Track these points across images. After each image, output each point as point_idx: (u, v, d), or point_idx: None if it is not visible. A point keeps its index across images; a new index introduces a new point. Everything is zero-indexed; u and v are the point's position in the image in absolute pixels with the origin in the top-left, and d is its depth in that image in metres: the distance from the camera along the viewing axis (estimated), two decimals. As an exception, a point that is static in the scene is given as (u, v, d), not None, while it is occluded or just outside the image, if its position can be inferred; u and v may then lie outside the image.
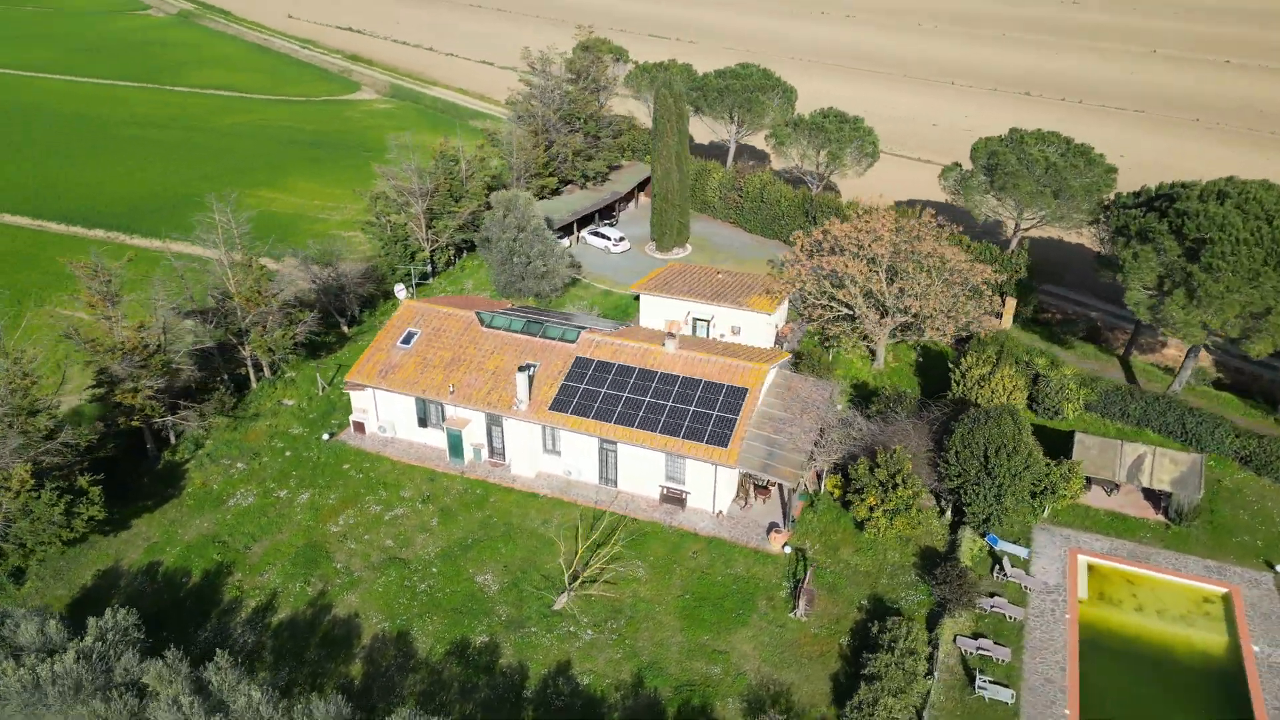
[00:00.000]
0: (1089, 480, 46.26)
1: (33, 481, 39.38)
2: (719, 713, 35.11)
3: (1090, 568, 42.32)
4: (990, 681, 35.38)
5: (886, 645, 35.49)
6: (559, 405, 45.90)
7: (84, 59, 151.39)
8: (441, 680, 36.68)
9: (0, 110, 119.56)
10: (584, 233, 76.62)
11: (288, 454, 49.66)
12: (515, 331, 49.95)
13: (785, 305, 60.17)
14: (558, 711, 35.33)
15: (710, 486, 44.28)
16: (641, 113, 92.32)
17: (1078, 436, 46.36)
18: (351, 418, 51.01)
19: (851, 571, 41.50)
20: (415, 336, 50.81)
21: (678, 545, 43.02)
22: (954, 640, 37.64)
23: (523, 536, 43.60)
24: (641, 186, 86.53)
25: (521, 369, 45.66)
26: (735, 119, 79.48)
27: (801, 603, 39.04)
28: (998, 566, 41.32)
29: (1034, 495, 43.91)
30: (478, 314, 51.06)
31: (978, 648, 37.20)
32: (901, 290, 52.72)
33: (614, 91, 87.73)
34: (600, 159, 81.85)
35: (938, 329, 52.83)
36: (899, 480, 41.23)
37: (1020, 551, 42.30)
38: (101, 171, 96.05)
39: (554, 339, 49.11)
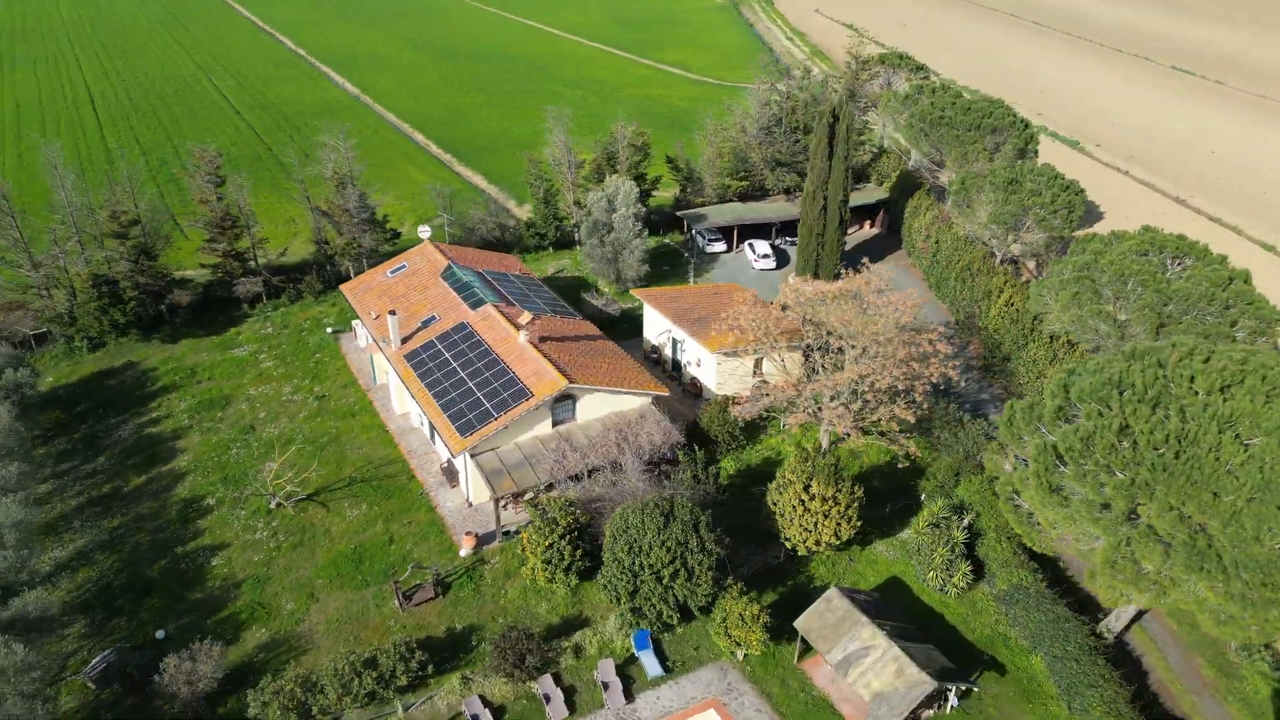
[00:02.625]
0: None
1: (90, 282, 56.62)
2: (243, 636, 38.13)
3: (712, 729, 34.37)
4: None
5: (367, 664, 34.63)
6: (411, 356, 49.91)
7: (605, 26, 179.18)
8: (156, 513, 45.18)
9: (487, 56, 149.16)
10: (747, 243, 74.60)
11: (301, 334, 61.33)
12: (452, 288, 54.37)
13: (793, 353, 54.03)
14: (173, 572, 41.55)
15: (464, 473, 44.91)
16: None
17: (830, 593, 36.47)
18: (353, 322, 60.70)
19: (490, 600, 39.74)
20: (401, 270, 58.24)
21: (406, 510, 45.03)
22: (465, 700, 34.80)
23: (332, 449, 49.38)
24: (872, 212, 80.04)
25: (392, 313, 50.48)
26: (941, 155, 69.13)
27: (400, 596, 39.09)
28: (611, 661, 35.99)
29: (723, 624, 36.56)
30: (450, 264, 56.45)
31: (473, 716, 34.08)
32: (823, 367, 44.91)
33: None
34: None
35: (835, 420, 44.01)
36: (544, 526, 37.90)
37: (654, 667, 36.09)
38: (499, 112, 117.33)
39: (466, 302, 52.52)
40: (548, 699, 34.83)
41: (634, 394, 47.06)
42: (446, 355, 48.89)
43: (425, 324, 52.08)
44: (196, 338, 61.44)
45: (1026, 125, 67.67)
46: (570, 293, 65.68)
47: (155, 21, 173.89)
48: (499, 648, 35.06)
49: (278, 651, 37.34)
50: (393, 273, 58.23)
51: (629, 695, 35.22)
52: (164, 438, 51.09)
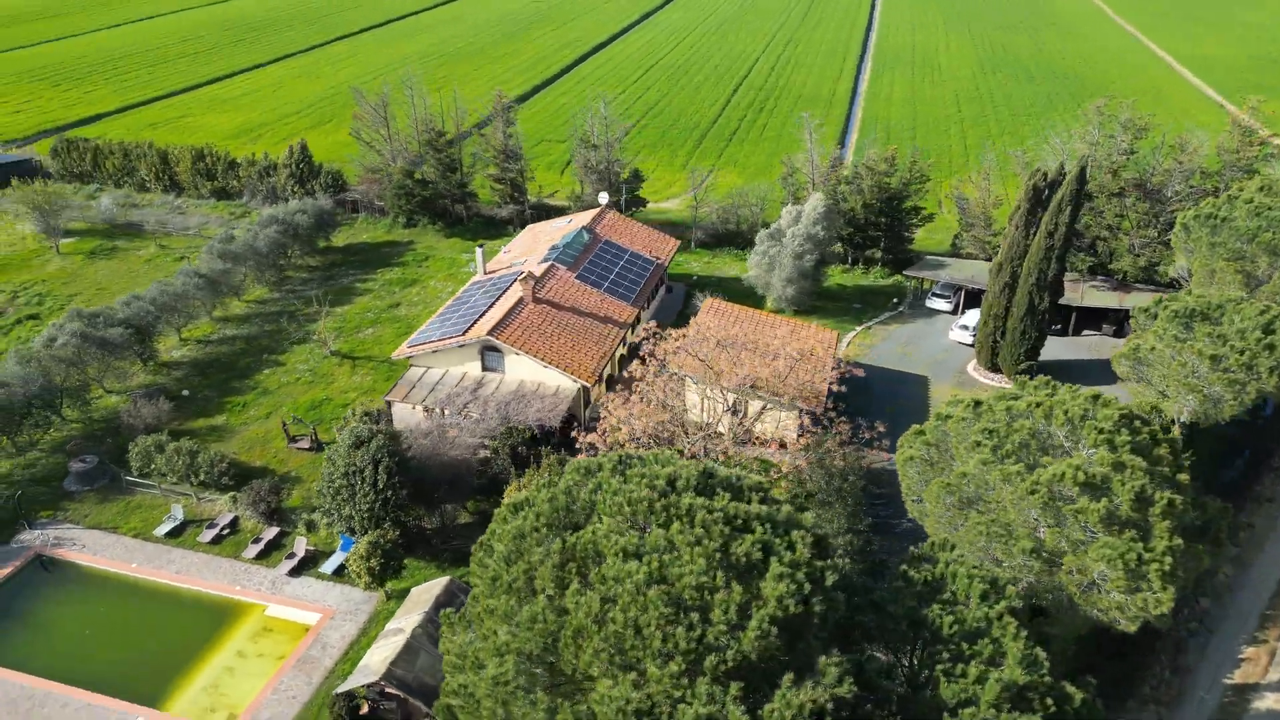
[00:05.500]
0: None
1: (402, 175, 76.33)
2: (214, 416, 52.99)
3: (305, 627, 39.00)
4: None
5: (190, 454, 46.67)
6: (475, 283, 58.65)
7: (1232, 59, 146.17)
8: (289, 334, 62.48)
9: (1032, 75, 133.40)
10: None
11: (464, 258, 73.12)
12: (556, 244, 60.74)
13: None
14: (245, 366, 58.19)
15: (420, 380, 53.14)
16: None
17: (442, 579, 37.31)
18: (541, 257, 70.72)
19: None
20: (563, 223, 66.14)
21: (384, 391, 54.97)
22: (224, 512, 44.81)
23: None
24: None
25: (480, 245, 59.47)
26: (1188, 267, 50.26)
27: (288, 437, 49.98)
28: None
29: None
30: (582, 227, 62.56)
31: (216, 523, 44.16)
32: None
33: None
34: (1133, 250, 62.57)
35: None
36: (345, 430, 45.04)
37: (329, 565, 41.55)
38: (959, 128, 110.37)
39: (546, 255, 58.68)
40: (258, 542, 43.06)
41: (559, 373, 49.36)
42: (484, 289, 56.66)
43: (513, 265, 60.08)
44: (462, 239, 77.88)
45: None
46: (743, 296, 65.07)
47: (843, 15, 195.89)
48: (251, 488, 44.15)
49: (211, 434, 51.60)
50: (556, 224, 66.60)
51: (296, 573, 41.46)
52: (355, 291, 68.56)
